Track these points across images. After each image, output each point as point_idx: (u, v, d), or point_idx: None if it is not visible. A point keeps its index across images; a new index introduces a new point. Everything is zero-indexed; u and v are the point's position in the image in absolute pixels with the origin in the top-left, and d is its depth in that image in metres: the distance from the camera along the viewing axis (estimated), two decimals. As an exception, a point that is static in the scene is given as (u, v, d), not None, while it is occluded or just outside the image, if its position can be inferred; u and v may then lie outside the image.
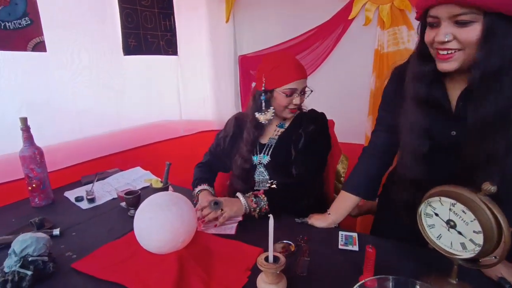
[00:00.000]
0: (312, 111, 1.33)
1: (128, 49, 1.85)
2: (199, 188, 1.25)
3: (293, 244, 0.95)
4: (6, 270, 0.78)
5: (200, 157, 1.44)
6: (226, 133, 1.38)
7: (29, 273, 0.78)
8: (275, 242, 0.90)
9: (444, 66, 0.76)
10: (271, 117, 1.24)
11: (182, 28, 2.16)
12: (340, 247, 0.95)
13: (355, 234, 1.00)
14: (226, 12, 2.49)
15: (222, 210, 1.07)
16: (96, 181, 1.42)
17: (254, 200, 1.11)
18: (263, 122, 1.25)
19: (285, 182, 1.22)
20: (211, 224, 1.07)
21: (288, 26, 2.32)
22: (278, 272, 0.74)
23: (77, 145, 1.69)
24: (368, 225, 1.26)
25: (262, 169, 1.27)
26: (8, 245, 0.84)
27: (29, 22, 1.38)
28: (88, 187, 1.37)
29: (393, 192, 0.95)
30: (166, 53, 2.09)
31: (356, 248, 0.94)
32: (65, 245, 0.98)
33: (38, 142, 1.25)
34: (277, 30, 2.39)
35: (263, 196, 1.13)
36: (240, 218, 1.10)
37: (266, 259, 0.75)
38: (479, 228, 0.63)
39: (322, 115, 1.31)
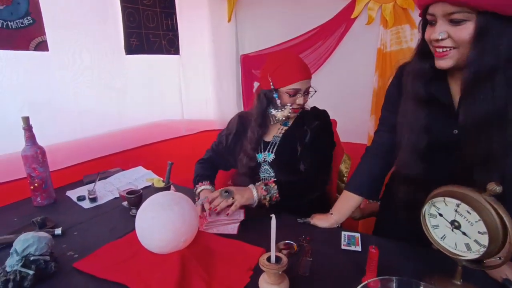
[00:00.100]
0: (315, 108, 1.34)
1: (130, 49, 1.85)
2: (201, 187, 1.25)
3: (295, 244, 0.94)
4: (8, 269, 0.78)
5: (202, 156, 1.44)
6: (229, 130, 1.39)
7: (31, 272, 0.78)
8: (277, 242, 0.90)
9: (440, 64, 0.77)
10: (288, 114, 1.24)
11: (184, 28, 2.16)
12: (342, 247, 0.95)
13: (357, 234, 1.00)
14: (228, 11, 2.49)
15: (233, 198, 1.08)
16: (98, 180, 1.42)
17: (264, 188, 1.13)
18: (280, 118, 1.26)
19: (290, 179, 1.22)
20: (213, 224, 1.06)
21: (290, 25, 2.31)
22: (280, 273, 0.74)
23: (79, 145, 1.69)
24: (370, 226, 1.25)
25: (267, 167, 1.28)
26: (10, 245, 0.84)
27: (31, 21, 1.38)
28: (90, 186, 1.37)
29: (393, 191, 0.95)
30: (168, 52, 2.09)
31: (359, 248, 0.93)
32: (67, 244, 0.97)
33: (40, 141, 1.25)
34: (279, 29, 2.38)
35: (273, 184, 1.14)
36: (242, 218, 1.09)
37: (268, 259, 0.74)
38: (484, 229, 0.62)
39: (325, 112, 1.33)
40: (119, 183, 1.45)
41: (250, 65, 2.59)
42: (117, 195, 1.33)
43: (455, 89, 0.84)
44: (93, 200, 1.28)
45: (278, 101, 1.23)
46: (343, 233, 1.01)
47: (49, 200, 1.28)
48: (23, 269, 0.78)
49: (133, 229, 0.91)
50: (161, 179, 1.21)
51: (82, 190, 1.38)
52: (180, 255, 0.84)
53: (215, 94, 2.50)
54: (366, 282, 0.66)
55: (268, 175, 1.29)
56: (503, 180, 0.68)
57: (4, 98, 1.40)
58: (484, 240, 0.63)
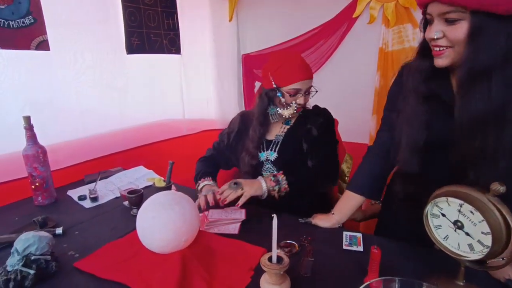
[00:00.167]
0: (316, 107, 1.35)
1: (131, 48, 1.85)
2: (204, 182, 1.26)
3: (296, 244, 0.94)
4: (9, 269, 0.78)
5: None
6: (231, 129, 1.39)
7: (32, 272, 0.78)
8: (278, 242, 0.90)
9: (438, 62, 0.78)
10: (294, 111, 1.24)
11: (185, 27, 2.15)
12: (344, 247, 0.94)
13: (359, 235, 0.99)
14: (229, 11, 2.48)
15: (242, 189, 1.09)
16: (99, 180, 1.41)
17: (273, 179, 1.14)
18: (287, 116, 1.26)
19: (293, 178, 1.21)
20: (214, 223, 1.06)
21: (292, 24, 2.31)
22: (281, 273, 0.74)
23: (80, 144, 1.69)
24: (371, 227, 1.24)
25: (269, 165, 1.28)
26: (11, 244, 0.84)
27: (32, 20, 1.38)
28: (91, 186, 1.37)
29: (395, 190, 0.96)
30: (169, 52, 2.09)
31: (360, 248, 0.93)
32: (67, 244, 0.97)
33: (41, 141, 1.25)
34: (280, 28, 2.37)
35: (282, 176, 1.15)
36: (244, 217, 1.09)
37: (270, 259, 0.74)
38: (487, 229, 0.62)
39: (325, 110, 1.34)
40: (120, 183, 1.45)
41: (251, 64, 2.58)
42: (118, 195, 1.33)
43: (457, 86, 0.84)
44: (94, 199, 1.28)
45: (283, 100, 1.22)
46: (344, 233, 1.00)
47: (50, 199, 1.28)
48: (24, 269, 0.78)
49: (134, 228, 0.91)
50: (162, 178, 1.21)
51: (83, 190, 1.38)
52: (181, 255, 0.84)
53: (216, 93, 2.50)
54: (368, 282, 0.65)
55: (270, 173, 1.29)
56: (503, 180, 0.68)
57: (6, 98, 1.40)
58: (488, 240, 0.63)
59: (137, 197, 1.14)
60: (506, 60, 0.68)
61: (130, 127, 1.96)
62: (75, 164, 1.64)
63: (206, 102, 2.49)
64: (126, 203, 1.23)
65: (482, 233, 0.63)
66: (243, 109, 2.69)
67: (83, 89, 1.68)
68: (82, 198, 1.30)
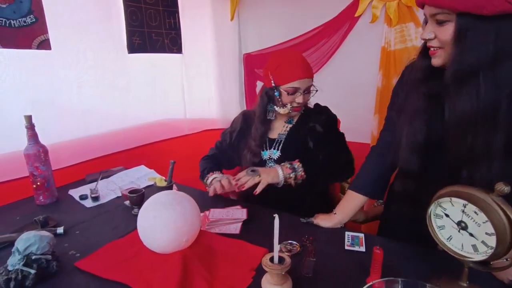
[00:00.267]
0: (317, 105, 1.36)
1: (133, 47, 1.85)
2: (213, 176, 1.26)
3: (298, 245, 0.94)
4: (9, 268, 0.78)
5: (204, 155, 1.43)
6: (233, 128, 1.40)
7: (33, 271, 0.78)
8: (280, 242, 0.89)
9: (433, 61, 0.79)
10: (289, 111, 1.26)
11: (186, 26, 2.15)
12: (346, 247, 0.93)
13: (361, 235, 0.99)
14: (231, 10, 2.48)
15: (259, 176, 1.11)
16: (101, 179, 1.41)
17: (289, 166, 1.15)
18: (283, 113, 1.27)
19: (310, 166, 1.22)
20: (215, 223, 1.06)
21: (294, 23, 2.30)
22: (283, 273, 0.73)
23: (82, 143, 1.69)
24: (372, 229, 1.24)
25: (272, 164, 1.29)
26: (12, 243, 0.84)
27: (34, 20, 1.38)
28: (92, 185, 1.37)
29: (396, 190, 0.96)
30: (171, 51, 2.09)
31: (363, 249, 0.92)
32: (68, 243, 0.97)
33: (42, 140, 1.25)
34: (282, 28, 2.37)
35: (299, 164, 1.16)
36: (245, 217, 1.09)
37: (271, 259, 0.73)
38: (491, 230, 0.61)
39: (326, 107, 1.36)
40: (122, 182, 1.45)
41: (253, 64, 2.58)
42: (120, 194, 1.33)
43: None
44: (95, 199, 1.28)
45: (280, 99, 1.23)
46: (346, 233, 1.00)
47: (52, 198, 1.28)
48: (25, 268, 0.78)
49: (135, 228, 0.90)
50: (163, 178, 1.20)
51: (85, 189, 1.37)
52: (182, 255, 0.83)
53: (218, 93, 2.49)
54: (371, 283, 0.65)
55: None
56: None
57: (7, 97, 1.40)
58: (492, 241, 0.62)
59: (138, 197, 1.14)
60: (495, 60, 0.68)
61: (132, 126, 1.96)
62: (77, 163, 1.64)
63: (207, 102, 2.49)
64: (127, 202, 1.23)
65: (486, 233, 0.63)
66: (245, 108, 2.68)
67: (85, 89, 1.67)
68: (83, 197, 1.29)
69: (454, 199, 0.67)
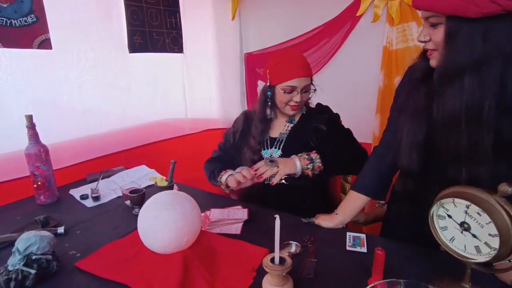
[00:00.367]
0: (319, 105, 1.37)
1: (134, 47, 1.85)
2: (226, 174, 1.25)
3: (299, 245, 0.93)
4: (10, 268, 0.78)
5: (206, 155, 1.43)
6: (236, 128, 1.40)
7: (33, 271, 0.78)
8: (281, 242, 0.88)
9: (430, 62, 0.80)
10: (287, 111, 1.27)
11: (187, 26, 2.15)
12: (347, 248, 0.93)
13: (363, 235, 0.98)
14: (232, 10, 2.47)
15: (277, 167, 1.12)
16: (101, 179, 1.41)
17: (307, 157, 1.16)
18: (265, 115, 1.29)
19: (332, 150, 1.23)
20: (216, 223, 1.05)
21: (295, 23, 2.29)
22: (284, 274, 0.73)
23: (83, 143, 1.69)
24: (374, 228, 1.23)
25: None
26: (12, 243, 0.84)
27: (34, 19, 1.38)
28: (93, 185, 1.36)
29: (398, 190, 0.96)
30: (172, 50, 2.08)
31: (364, 249, 0.92)
32: (69, 243, 0.97)
33: (43, 139, 1.24)
34: (283, 27, 2.36)
35: (316, 155, 1.17)
36: (246, 217, 1.08)
37: (272, 260, 0.73)
38: (495, 231, 0.61)
39: (327, 107, 1.36)
40: (122, 182, 1.45)
41: (254, 63, 2.57)
42: (120, 194, 1.33)
43: None
44: (96, 198, 1.28)
45: (275, 98, 1.24)
46: (348, 233, 0.99)
47: (52, 198, 1.28)
48: (25, 268, 0.78)
49: (136, 228, 0.90)
50: (164, 178, 1.20)
51: (85, 189, 1.37)
52: (183, 255, 0.83)
53: (219, 92, 2.49)
54: (373, 284, 0.64)
55: None
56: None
57: (8, 97, 1.40)
58: (495, 242, 0.61)
59: (139, 197, 1.14)
60: (482, 61, 0.69)
61: (133, 126, 1.96)
62: (77, 163, 1.64)
63: (208, 101, 2.48)
64: (128, 202, 1.22)
65: (489, 235, 0.62)
66: (246, 108, 2.68)
67: (86, 88, 1.67)
68: (84, 197, 1.29)
69: (457, 199, 0.66)
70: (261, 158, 1.30)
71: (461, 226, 0.67)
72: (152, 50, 1.96)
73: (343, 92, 2.15)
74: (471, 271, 0.70)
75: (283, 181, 1.22)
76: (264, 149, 1.31)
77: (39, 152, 1.21)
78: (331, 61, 2.21)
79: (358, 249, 0.92)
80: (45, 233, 0.85)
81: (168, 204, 0.86)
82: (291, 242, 0.95)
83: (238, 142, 1.37)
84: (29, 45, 1.38)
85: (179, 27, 2.10)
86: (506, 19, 0.65)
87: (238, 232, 1.02)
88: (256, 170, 1.16)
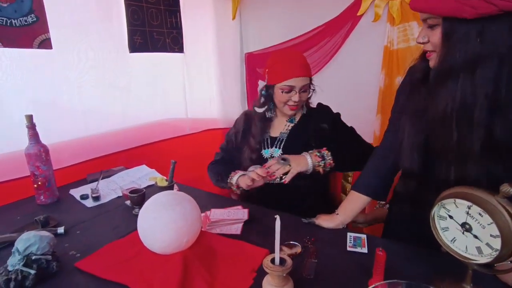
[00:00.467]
0: (319, 104, 1.37)
1: (134, 47, 1.85)
2: (236, 175, 1.24)
3: (299, 246, 0.93)
4: (9, 268, 0.78)
5: (206, 155, 1.43)
6: (237, 129, 1.40)
7: (33, 272, 0.77)
8: (281, 243, 0.88)
9: (430, 63, 0.81)
10: (286, 111, 1.27)
11: (188, 25, 2.14)
12: (348, 248, 0.93)
13: (364, 236, 0.98)
14: (232, 9, 2.47)
15: (289, 165, 1.12)
16: (101, 179, 1.41)
17: (318, 154, 1.16)
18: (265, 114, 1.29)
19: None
20: (216, 224, 1.05)
21: (296, 23, 2.29)
22: (284, 275, 0.72)
23: (83, 143, 1.69)
24: (375, 229, 1.23)
25: None
26: (12, 243, 0.84)
27: (35, 19, 1.38)
28: (93, 185, 1.36)
29: (399, 190, 0.96)
30: (172, 50, 2.08)
31: (365, 250, 0.91)
32: (69, 243, 0.97)
33: (43, 139, 1.24)
34: (284, 27, 2.35)
35: (327, 152, 1.17)
36: (246, 218, 1.08)
37: (272, 261, 0.73)
38: (496, 232, 0.60)
39: (328, 107, 1.36)
40: (122, 182, 1.45)
41: (254, 63, 2.57)
42: (120, 194, 1.32)
43: None
44: (96, 198, 1.28)
45: (274, 97, 1.25)
46: (348, 234, 0.99)
47: (52, 198, 1.28)
48: (25, 269, 0.77)
49: (136, 228, 0.90)
50: (165, 178, 1.20)
51: (85, 189, 1.37)
52: (183, 256, 0.83)
53: (219, 92, 2.48)
54: (374, 285, 0.64)
55: None
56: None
57: (8, 97, 1.40)
58: (497, 243, 0.61)
59: (139, 197, 1.14)
60: (477, 61, 0.68)
61: (133, 126, 1.96)
62: (78, 163, 1.64)
63: (209, 101, 2.48)
64: (128, 202, 1.22)
65: (491, 236, 0.62)
66: (246, 108, 2.68)
67: (86, 88, 1.67)
68: (84, 197, 1.29)
69: (458, 200, 0.66)
70: (260, 157, 1.29)
71: (462, 227, 0.67)
72: (152, 50, 1.95)
73: (344, 92, 2.14)
74: (472, 272, 0.70)
75: (278, 179, 1.22)
76: (264, 149, 1.31)
77: (39, 152, 1.21)
78: (332, 61, 2.21)
79: (358, 249, 0.92)
80: (45, 233, 0.85)
81: (168, 204, 0.85)
82: (291, 242, 0.94)
83: (240, 143, 1.37)
84: (29, 45, 1.38)
85: (180, 27, 2.10)
86: (502, 19, 0.65)
87: (238, 232, 1.02)
88: (268, 167, 1.16)
